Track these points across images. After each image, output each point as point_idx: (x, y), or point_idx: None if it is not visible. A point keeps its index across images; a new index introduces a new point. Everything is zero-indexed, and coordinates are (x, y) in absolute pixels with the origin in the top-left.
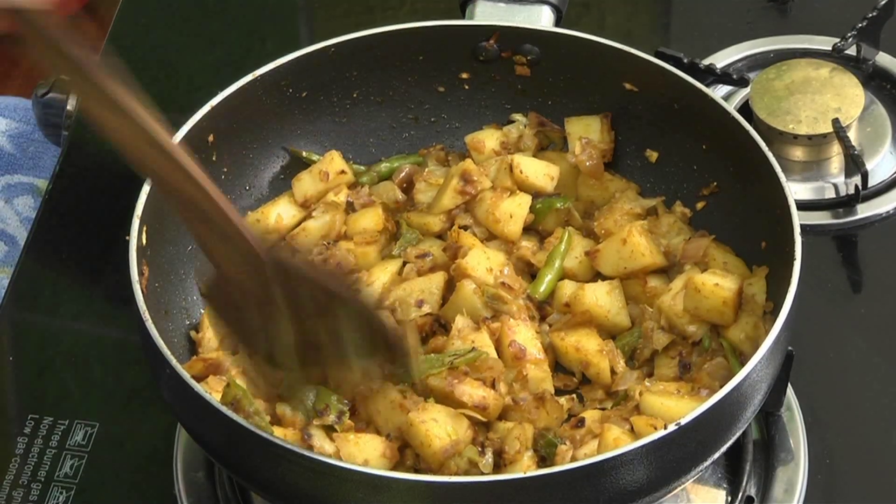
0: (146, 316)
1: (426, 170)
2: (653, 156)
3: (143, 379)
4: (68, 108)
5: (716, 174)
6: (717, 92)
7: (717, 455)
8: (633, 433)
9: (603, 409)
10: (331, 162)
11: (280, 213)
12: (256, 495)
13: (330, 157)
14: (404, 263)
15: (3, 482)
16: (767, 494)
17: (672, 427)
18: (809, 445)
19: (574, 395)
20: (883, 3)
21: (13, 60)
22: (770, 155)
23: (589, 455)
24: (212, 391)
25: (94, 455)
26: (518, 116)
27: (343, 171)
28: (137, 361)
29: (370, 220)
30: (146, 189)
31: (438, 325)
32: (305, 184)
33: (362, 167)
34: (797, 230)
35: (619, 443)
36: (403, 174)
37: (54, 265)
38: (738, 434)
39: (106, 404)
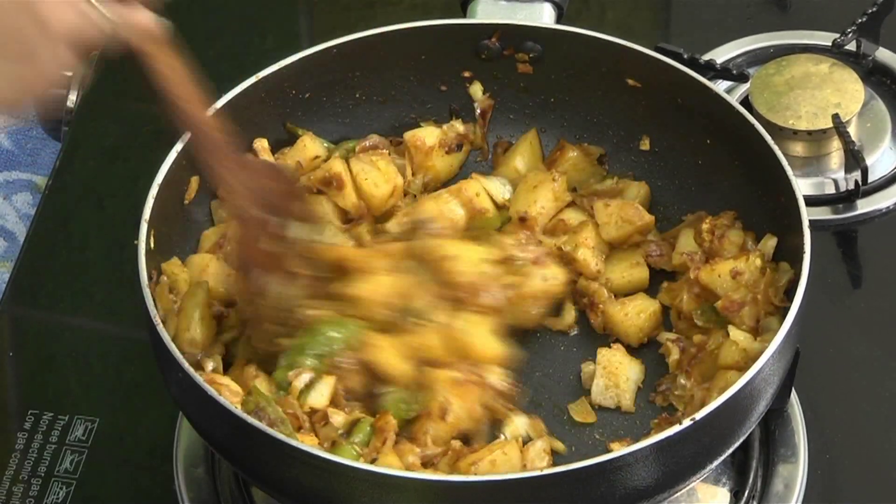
0: (157, 321)
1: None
2: (654, 150)
3: (143, 374)
4: (69, 103)
5: (720, 169)
6: (717, 87)
7: (730, 450)
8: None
9: None
10: (303, 149)
11: None
12: (257, 491)
13: (302, 143)
14: None
15: (3, 478)
16: (767, 491)
17: (687, 422)
18: (809, 441)
19: None
20: None
21: None
22: (777, 150)
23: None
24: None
25: (94, 450)
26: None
27: (316, 157)
28: (138, 357)
29: None
30: (153, 192)
31: None
32: None
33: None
34: (805, 223)
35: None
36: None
37: (55, 260)
38: (751, 428)
39: (106, 400)
